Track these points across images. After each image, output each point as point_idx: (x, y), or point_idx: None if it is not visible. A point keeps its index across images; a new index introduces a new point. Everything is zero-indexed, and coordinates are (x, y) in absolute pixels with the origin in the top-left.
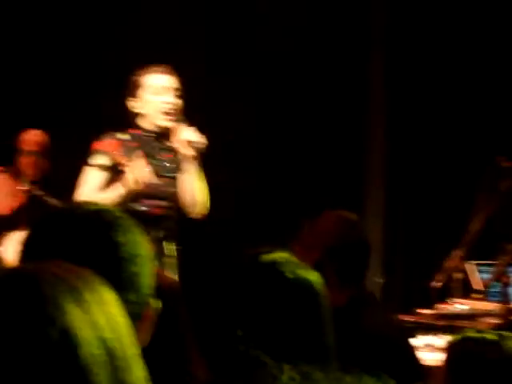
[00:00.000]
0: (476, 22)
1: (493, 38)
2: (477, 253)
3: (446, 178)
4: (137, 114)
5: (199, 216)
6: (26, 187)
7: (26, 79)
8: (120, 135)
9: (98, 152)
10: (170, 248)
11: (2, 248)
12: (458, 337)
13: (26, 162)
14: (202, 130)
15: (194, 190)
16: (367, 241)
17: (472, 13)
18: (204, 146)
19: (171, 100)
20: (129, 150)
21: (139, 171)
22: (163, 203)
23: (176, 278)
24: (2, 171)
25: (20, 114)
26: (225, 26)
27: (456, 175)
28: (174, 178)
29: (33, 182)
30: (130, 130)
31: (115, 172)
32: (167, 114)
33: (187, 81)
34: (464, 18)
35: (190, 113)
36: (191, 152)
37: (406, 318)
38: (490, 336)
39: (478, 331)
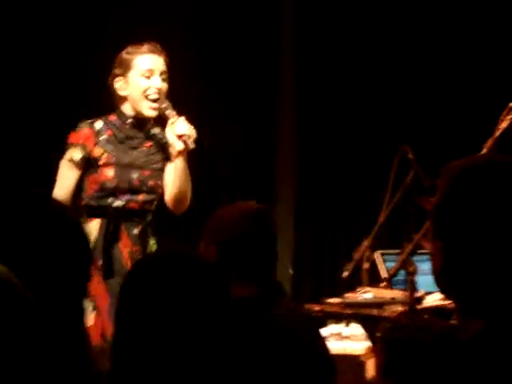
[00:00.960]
0: (379, 18)
1: (396, 32)
2: (386, 242)
3: (354, 170)
4: (121, 97)
5: (180, 212)
6: None
7: None
8: (97, 123)
9: (73, 145)
10: (151, 244)
11: None
12: (388, 325)
13: None
14: None
15: (181, 185)
16: (271, 231)
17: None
18: (194, 140)
19: (158, 84)
20: (105, 141)
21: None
22: (141, 197)
23: None
24: None
25: None
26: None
27: (365, 167)
28: (155, 170)
29: None
30: (109, 116)
31: (91, 165)
32: (153, 100)
33: None
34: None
35: None
36: (181, 146)
37: (315, 307)
38: (420, 321)
39: (408, 317)
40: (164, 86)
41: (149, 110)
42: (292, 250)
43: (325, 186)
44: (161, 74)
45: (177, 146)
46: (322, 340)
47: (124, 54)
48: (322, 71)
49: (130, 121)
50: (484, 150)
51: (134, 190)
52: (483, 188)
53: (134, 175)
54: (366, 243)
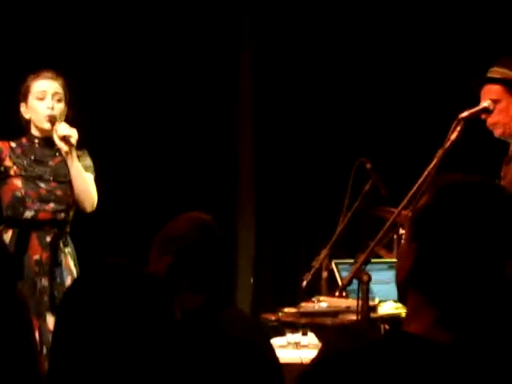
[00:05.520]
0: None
1: (353, 47)
2: (346, 251)
3: (313, 181)
4: (26, 121)
5: (88, 210)
6: None
7: None
8: (12, 142)
9: None
10: (67, 252)
11: None
12: (332, 330)
13: None
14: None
15: (78, 184)
16: (221, 243)
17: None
18: (75, 139)
19: (50, 104)
20: (16, 156)
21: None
22: (50, 207)
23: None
24: None
25: None
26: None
27: (323, 178)
28: (63, 182)
29: None
30: (21, 139)
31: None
32: (49, 118)
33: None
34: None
35: None
36: (65, 147)
37: (271, 316)
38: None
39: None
40: (58, 106)
41: (46, 125)
42: (252, 259)
43: (284, 196)
44: (53, 95)
45: (62, 147)
46: (270, 348)
47: (24, 82)
48: (280, 85)
49: (36, 141)
50: (434, 160)
51: (42, 199)
52: (468, 204)
53: (42, 185)
54: (324, 252)
